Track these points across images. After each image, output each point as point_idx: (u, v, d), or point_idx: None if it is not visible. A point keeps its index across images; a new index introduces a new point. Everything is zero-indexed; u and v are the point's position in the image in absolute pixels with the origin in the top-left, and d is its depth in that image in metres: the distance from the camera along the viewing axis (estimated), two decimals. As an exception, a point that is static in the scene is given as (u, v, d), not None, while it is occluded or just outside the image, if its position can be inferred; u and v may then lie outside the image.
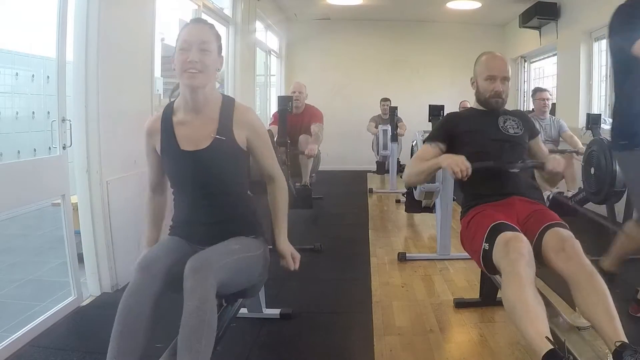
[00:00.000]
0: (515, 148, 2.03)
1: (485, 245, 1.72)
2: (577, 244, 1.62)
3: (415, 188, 3.41)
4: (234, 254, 1.52)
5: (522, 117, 2.17)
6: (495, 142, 2.00)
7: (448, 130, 2.09)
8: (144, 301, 1.39)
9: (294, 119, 4.16)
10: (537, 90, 4.28)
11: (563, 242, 1.62)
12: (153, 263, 1.45)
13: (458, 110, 2.17)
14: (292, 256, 1.81)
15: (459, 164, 1.80)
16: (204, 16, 4.48)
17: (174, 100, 1.66)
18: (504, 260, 1.58)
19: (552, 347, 1.32)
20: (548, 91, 4.27)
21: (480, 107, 2.12)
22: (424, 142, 2.15)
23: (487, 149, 1.97)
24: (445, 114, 2.24)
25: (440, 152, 2.02)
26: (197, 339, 1.31)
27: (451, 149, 2.03)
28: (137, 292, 1.39)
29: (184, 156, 1.58)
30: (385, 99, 7.05)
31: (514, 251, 1.56)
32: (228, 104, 1.63)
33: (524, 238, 1.62)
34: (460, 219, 2.06)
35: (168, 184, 1.69)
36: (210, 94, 1.60)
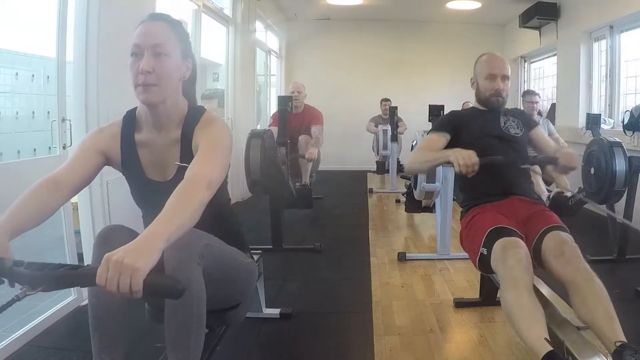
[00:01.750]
0: (518, 148, 2.02)
1: (483, 250, 1.72)
2: (576, 248, 1.61)
3: (415, 188, 3.41)
4: (220, 243, 1.37)
5: (520, 115, 2.16)
6: (499, 142, 1.98)
7: (454, 125, 2.04)
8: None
9: (294, 119, 4.14)
10: (527, 93, 4.46)
11: (562, 246, 1.62)
12: (114, 236, 1.27)
13: (453, 111, 2.24)
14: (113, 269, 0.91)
15: (467, 159, 1.71)
16: (204, 16, 4.48)
17: (135, 108, 1.40)
18: (501, 267, 1.58)
19: (551, 348, 1.32)
20: (538, 95, 4.49)
21: (481, 107, 2.11)
22: (428, 132, 2.13)
23: (491, 149, 1.93)
24: (446, 111, 2.22)
25: (446, 143, 1.99)
26: (186, 334, 1.19)
27: (454, 145, 1.97)
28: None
29: (150, 186, 1.38)
30: (386, 99, 7.06)
31: (512, 258, 1.56)
32: (192, 118, 1.36)
33: (522, 243, 1.63)
34: (460, 219, 2.05)
35: (75, 192, 1.31)
36: (174, 108, 1.35)
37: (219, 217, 1.42)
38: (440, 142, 1.99)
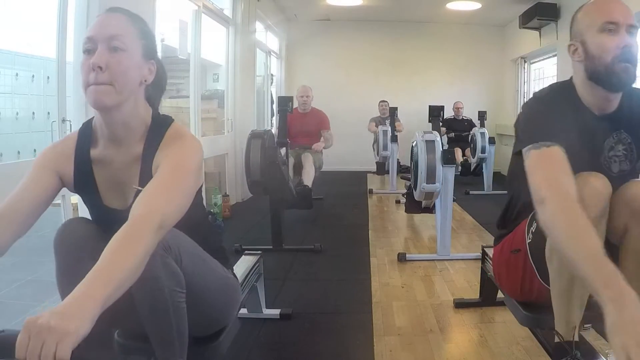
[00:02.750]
0: None
1: (529, 236, 1.33)
2: None
3: (415, 188, 3.41)
4: (194, 247, 1.21)
5: None
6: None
7: (566, 132, 1.21)
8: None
9: (302, 118, 4.72)
10: None
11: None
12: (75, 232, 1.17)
13: (547, 99, 1.31)
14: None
15: None
16: (204, 17, 4.48)
17: (92, 119, 1.21)
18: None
19: (558, 340, 1.30)
20: None
21: (586, 104, 1.30)
22: (532, 143, 1.19)
23: None
24: (537, 100, 1.34)
25: None
26: (167, 329, 1.10)
27: None
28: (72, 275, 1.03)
29: (109, 215, 1.18)
30: (383, 101, 7.09)
31: (587, 188, 1.13)
32: (156, 132, 1.17)
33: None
34: (494, 246, 1.65)
35: (29, 222, 1.13)
36: (133, 117, 1.15)
37: (195, 236, 1.22)
38: (567, 162, 1.15)
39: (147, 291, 1.05)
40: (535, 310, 1.44)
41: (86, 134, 1.21)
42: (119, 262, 0.88)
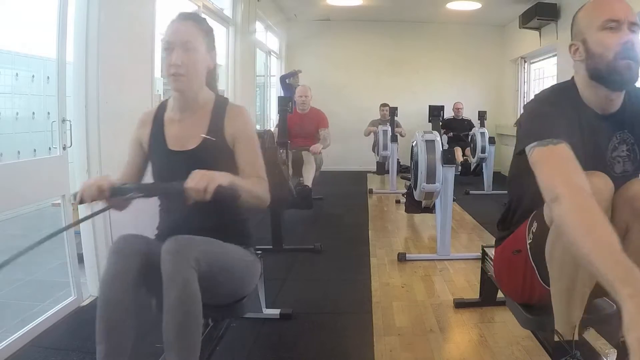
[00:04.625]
0: None
1: (530, 236, 1.32)
2: None
3: (415, 188, 3.41)
4: (219, 247, 1.43)
5: None
6: None
7: (569, 132, 1.20)
8: (122, 287, 1.27)
9: (301, 119, 4.69)
10: None
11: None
12: (127, 245, 1.34)
13: (549, 100, 1.28)
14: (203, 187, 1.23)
15: None
16: (203, 16, 4.49)
17: (168, 98, 1.60)
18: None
19: (558, 339, 1.29)
20: None
21: (588, 104, 1.29)
22: (537, 141, 1.18)
23: None
24: (539, 101, 1.32)
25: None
26: (183, 336, 1.23)
27: None
28: (113, 278, 1.28)
29: (170, 155, 1.50)
30: (384, 105, 7.07)
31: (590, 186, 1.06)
32: (220, 104, 1.55)
33: None
34: (495, 247, 1.64)
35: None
36: (201, 94, 1.53)
37: (224, 215, 1.52)
38: (576, 159, 1.13)
39: (175, 294, 1.23)
40: (536, 313, 1.44)
41: (162, 107, 1.59)
42: (248, 185, 1.42)
